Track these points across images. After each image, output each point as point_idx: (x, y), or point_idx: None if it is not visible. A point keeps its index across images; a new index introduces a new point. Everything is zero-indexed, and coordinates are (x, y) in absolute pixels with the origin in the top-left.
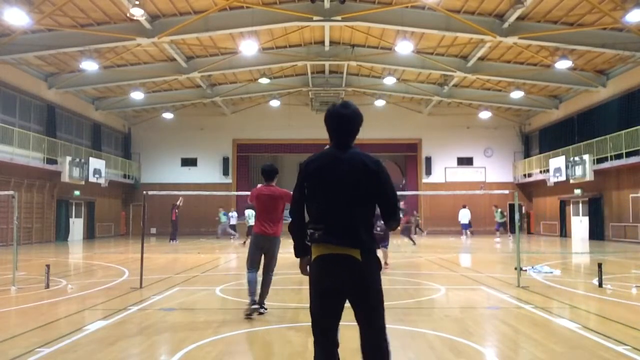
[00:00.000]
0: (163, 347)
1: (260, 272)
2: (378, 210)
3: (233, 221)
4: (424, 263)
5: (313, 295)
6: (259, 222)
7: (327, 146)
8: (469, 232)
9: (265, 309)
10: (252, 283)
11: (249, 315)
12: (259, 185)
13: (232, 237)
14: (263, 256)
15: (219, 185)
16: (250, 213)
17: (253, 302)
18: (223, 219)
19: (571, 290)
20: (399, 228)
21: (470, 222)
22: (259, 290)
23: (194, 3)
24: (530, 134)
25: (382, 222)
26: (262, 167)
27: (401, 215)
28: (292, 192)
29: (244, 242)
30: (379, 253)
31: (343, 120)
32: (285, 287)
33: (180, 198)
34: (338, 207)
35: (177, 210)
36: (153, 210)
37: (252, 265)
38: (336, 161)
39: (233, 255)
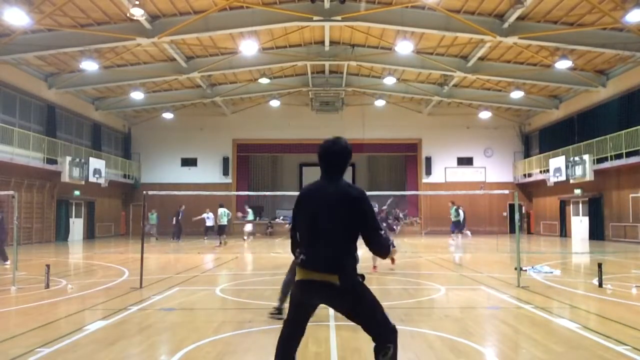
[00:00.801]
0: (163, 347)
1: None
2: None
3: (210, 222)
4: (424, 263)
5: (289, 309)
6: None
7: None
8: (462, 231)
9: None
10: (289, 287)
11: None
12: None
13: (155, 237)
14: None
15: (219, 185)
16: (222, 212)
17: (280, 311)
18: (153, 220)
19: (571, 290)
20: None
21: (464, 222)
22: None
23: (194, 3)
24: (530, 134)
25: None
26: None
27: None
28: None
29: (220, 243)
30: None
31: (332, 155)
32: None
33: (183, 206)
34: (321, 236)
35: (179, 217)
36: (153, 210)
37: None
38: (323, 192)
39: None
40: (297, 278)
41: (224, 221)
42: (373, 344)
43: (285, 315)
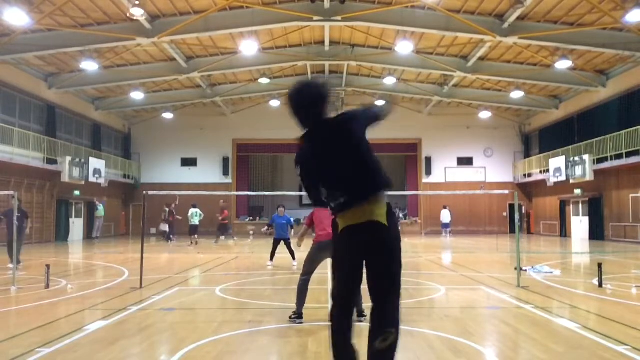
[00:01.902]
0: (163, 347)
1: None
2: None
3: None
4: (424, 263)
5: (335, 272)
6: (325, 230)
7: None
8: (448, 231)
9: (365, 315)
10: (304, 291)
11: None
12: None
13: (96, 236)
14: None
15: (219, 185)
16: (194, 212)
17: (300, 315)
18: (101, 212)
19: (571, 290)
20: None
21: (450, 222)
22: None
23: (194, 3)
24: (530, 134)
25: None
26: None
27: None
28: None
29: (191, 243)
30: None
31: (299, 103)
32: (286, 287)
33: (177, 197)
34: (356, 171)
35: (174, 212)
36: (153, 210)
37: (309, 272)
38: (321, 144)
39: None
40: (341, 226)
41: (194, 221)
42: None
43: (303, 319)
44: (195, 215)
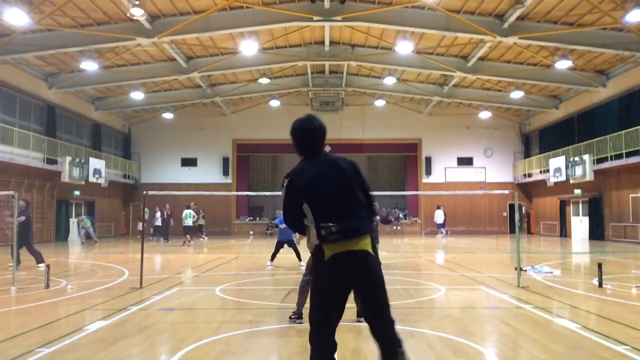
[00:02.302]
0: (163, 347)
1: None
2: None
3: (158, 222)
4: (424, 263)
5: (316, 299)
6: None
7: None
8: (443, 231)
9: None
10: (305, 292)
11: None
12: None
13: (94, 241)
14: None
15: (219, 185)
16: (187, 213)
17: (300, 315)
18: (87, 223)
19: (571, 290)
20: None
21: (444, 222)
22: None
23: (194, 3)
24: (530, 134)
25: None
26: None
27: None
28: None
29: (184, 243)
30: None
31: (312, 131)
32: (286, 287)
33: (167, 205)
34: (349, 205)
35: (169, 215)
36: (153, 210)
37: (311, 273)
38: (327, 167)
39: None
40: (329, 254)
41: (188, 222)
42: (376, 347)
43: (303, 319)
44: (189, 216)
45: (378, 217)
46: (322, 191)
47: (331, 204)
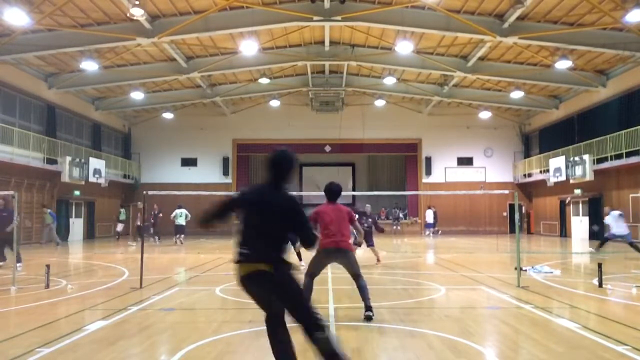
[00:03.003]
0: (163, 347)
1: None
2: (364, 208)
3: (138, 221)
4: (424, 263)
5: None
6: (329, 237)
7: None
8: (429, 231)
9: (373, 314)
10: (306, 291)
11: None
12: (321, 205)
13: (57, 244)
14: (343, 269)
15: (219, 185)
16: (178, 212)
17: None
18: (48, 219)
19: (571, 290)
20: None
21: (434, 222)
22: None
23: (194, 3)
24: (530, 134)
25: (369, 220)
26: (330, 187)
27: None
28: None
29: (175, 242)
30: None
31: (282, 165)
32: None
33: (155, 205)
34: (262, 234)
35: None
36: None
37: (313, 274)
38: (269, 197)
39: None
40: (241, 274)
41: (180, 221)
42: (342, 342)
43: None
44: (180, 216)
45: (370, 223)
46: (248, 214)
47: (251, 227)
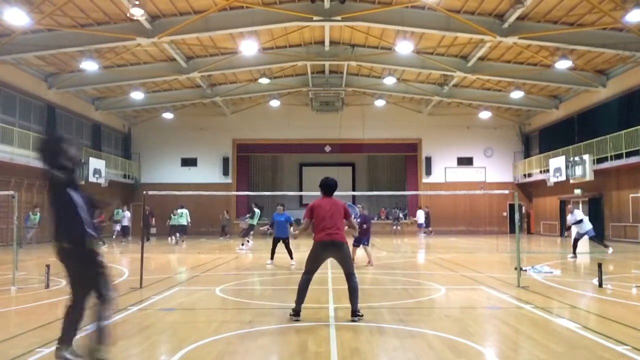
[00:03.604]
0: (163, 347)
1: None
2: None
3: (126, 222)
4: (424, 263)
5: None
6: (324, 230)
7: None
8: (422, 231)
9: (361, 315)
10: (304, 290)
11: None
12: (316, 200)
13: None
14: (338, 263)
15: (219, 185)
16: (180, 212)
17: (297, 313)
18: (34, 219)
19: (571, 290)
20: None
21: (425, 222)
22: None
23: (194, 3)
24: (530, 134)
25: (362, 218)
26: (326, 181)
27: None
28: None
29: (176, 242)
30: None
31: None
32: (285, 287)
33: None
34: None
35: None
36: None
37: (311, 271)
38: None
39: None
40: None
41: (180, 221)
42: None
43: (300, 317)
44: (181, 216)
45: (359, 219)
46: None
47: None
